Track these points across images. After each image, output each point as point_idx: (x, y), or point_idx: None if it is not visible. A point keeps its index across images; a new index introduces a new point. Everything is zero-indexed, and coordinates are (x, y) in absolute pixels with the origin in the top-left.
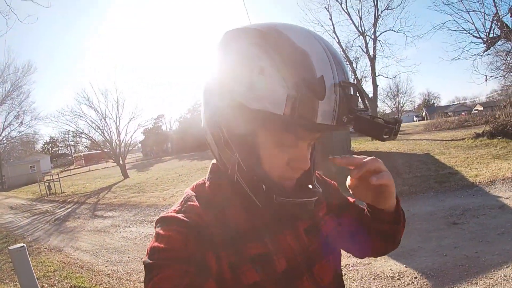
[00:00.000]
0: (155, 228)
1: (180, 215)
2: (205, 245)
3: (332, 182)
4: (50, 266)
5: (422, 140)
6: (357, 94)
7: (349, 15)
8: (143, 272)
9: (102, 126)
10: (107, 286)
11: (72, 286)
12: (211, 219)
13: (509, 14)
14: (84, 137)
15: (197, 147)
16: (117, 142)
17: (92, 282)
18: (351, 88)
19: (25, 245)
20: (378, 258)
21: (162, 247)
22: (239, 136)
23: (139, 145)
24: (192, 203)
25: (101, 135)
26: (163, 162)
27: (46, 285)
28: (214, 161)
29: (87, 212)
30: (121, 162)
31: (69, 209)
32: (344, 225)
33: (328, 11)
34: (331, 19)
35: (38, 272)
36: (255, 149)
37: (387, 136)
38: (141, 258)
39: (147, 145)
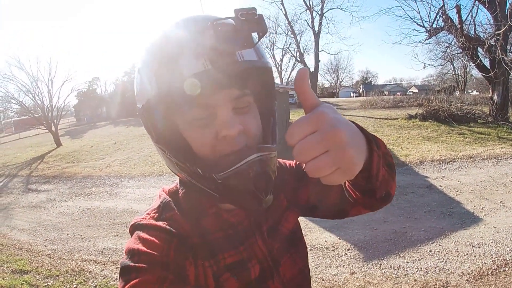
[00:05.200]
0: (132, 231)
1: (160, 223)
2: (186, 254)
3: (289, 162)
4: None
5: (358, 116)
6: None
7: None
8: (118, 273)
9: (33, 90)
10: (49, 268)
11: (13, 270)
12: (191, 229)
13: (455, 10)
14: (14, 102)
15: (133, 112)
16: (49, 107)
17: (33, 264)
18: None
19: None
20: (313, 230)
21: (144, 251)
22: (164, 138)
23: (72, 109)
24: (171, 212)
25: (31, 99)
26: (98, 128)
27: None
28: None
29: (20, 186)
30: (53, 128)
31: (1, 183)
32: (307, 196)
33: None
34: None
35: None
36: (182, 139)
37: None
38: (81, 235)
39: (81, 109)
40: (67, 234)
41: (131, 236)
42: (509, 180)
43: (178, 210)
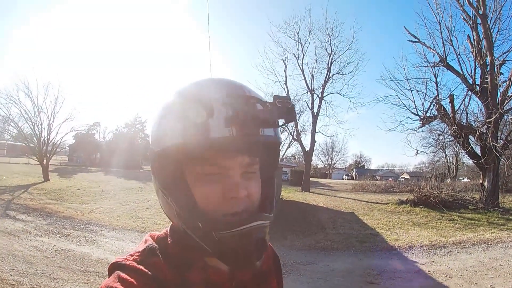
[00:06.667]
0: (112, 270)
1: (142, 267)
2: None
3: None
4: None
5: (349, 198)
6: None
7: (302, 71)
8: None
9: (34, 119)
10: None
11: None
12: (172, 278)
13: (449, 100)
14: (12, 126)
15: (127, 164)
16: (46, 140)
17: None
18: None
19: None
20: None
21: None
22: (171, 185)
23: (67, 148)
24: (155, 258)
25: (30, 128)
26: (88, 172)
27: None
28: None
29: None
30: (44, 162)
31: None
32: None
33: (285, 63)
34: (285, 71)
35: None
36: (188, 191)
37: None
38: (50, 274)
39: (75, 150)
40: (36, 270)
41: (109, 276)
42: (499, 265)
43: (163, 258)
